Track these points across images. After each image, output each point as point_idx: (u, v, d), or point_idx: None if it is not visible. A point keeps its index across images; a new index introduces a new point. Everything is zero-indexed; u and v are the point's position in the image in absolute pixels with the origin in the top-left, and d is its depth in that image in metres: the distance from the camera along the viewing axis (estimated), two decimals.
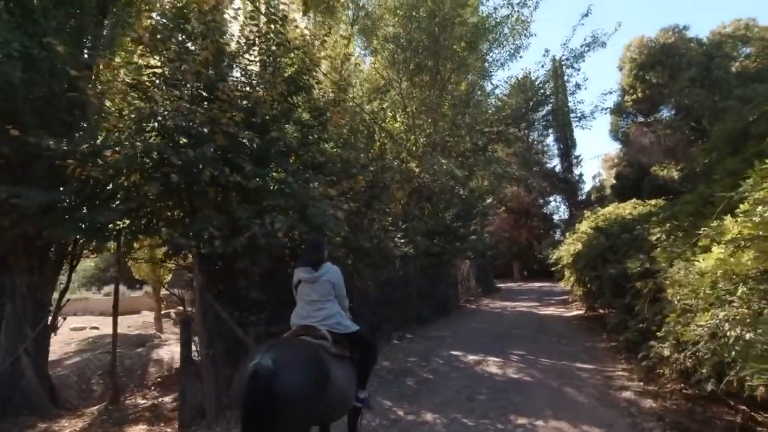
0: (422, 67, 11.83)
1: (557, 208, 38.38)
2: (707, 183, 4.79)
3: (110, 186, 4.88)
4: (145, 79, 4.59)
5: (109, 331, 8.39)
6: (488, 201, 17.77)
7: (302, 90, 6.09)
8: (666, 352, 4.77)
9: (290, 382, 2.45)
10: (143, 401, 7.31)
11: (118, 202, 4.96)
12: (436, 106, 11.89)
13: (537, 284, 28.34)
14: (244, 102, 5.17)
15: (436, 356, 8.33)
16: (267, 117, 5.49)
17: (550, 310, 15.25)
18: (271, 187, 5.41)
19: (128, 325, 18.36)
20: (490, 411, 5.19)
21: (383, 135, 11.58)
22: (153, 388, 8.35)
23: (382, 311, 9.98)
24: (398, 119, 12.18)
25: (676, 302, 3.57)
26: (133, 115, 4.64)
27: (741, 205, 3.18)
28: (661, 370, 5.49)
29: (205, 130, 4.63)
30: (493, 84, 16.09)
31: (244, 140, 5.12)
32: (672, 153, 24.26)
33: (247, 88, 5.25)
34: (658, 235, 5.69)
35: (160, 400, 6.91)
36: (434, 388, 6.30)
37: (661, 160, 25.21)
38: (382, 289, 10.76)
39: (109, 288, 23.84)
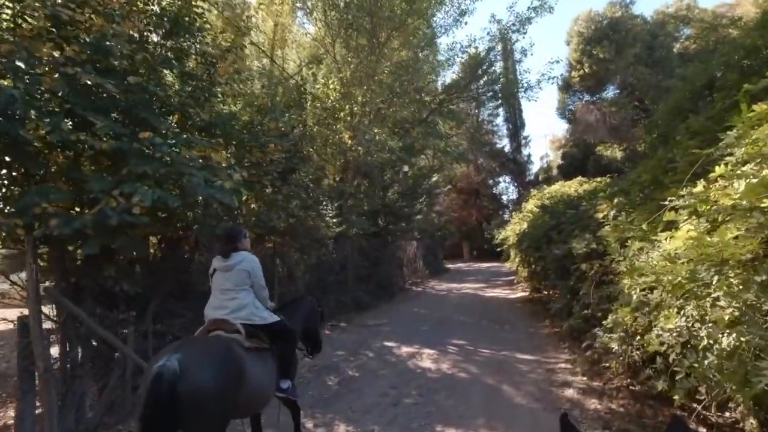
0: (358, 28, 10.62)
1: (506, 188, 38.72)
2: (666, 147, 4.03)
3: None
4: None
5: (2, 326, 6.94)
6: (435, 179, 16.94)
7: (187, 32, 4.84)
8: (614, 345, 4.13)
9: (199, 383, 2.30)
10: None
11: None
12: (373, 72, 10.76)
13: (486, 264, 28.25)
14: (91, 37, 3.89)
15: (368, 349, 7.47)
16: (132, 61, 4.25)
17: (496, 292, 14.83)
18: (142, 152, 4.20)
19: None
20: (414, 420, 4.42)
21: (315, 104, 10.37)
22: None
23: (313, 298, 8.99)
24: (331, 86, 10.98)
25: (634, 295, 2.75)
26: None
27: (717, 168, 2.39)
28: (608, 363, 4.92)
29: (21, 65, 3.36)
30: (436, 50, 15.10)
31: (95, 88, 3.91)
32: (617, 132, 24.49)
33: (94, 17, 3.93)
34: (606, 212, 5.06)
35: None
36: (358, 389, 5.46)
37: (606, 139, 25.44)
38: (312, 273, 9.75)
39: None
